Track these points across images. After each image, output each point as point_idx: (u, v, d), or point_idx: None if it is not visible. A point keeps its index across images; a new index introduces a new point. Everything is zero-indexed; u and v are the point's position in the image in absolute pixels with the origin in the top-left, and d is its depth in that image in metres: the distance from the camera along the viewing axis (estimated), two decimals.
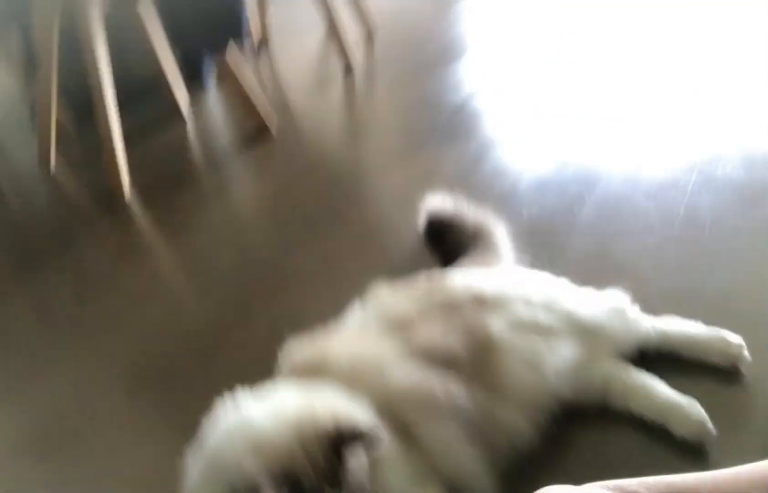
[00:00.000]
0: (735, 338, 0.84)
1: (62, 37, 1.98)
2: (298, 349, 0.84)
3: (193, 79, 2.49)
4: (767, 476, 0.53)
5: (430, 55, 2.42)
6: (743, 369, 0.83)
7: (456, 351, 0.81)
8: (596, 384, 0.83)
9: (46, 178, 2.15)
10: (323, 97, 2.35)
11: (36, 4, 1.95)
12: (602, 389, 0.83)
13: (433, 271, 1.02)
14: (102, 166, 1.92)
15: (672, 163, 1.35)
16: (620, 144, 1.49)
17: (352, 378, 0.76)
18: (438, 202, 1.24)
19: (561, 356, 0.83)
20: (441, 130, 1.83)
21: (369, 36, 2.60)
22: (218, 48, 2.09)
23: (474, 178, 1.50)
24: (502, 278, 0.94)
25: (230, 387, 0.76)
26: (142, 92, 2.36)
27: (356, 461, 0.66)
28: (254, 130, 2.11)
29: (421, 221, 1.24)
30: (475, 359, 0.81)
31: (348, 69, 2.42)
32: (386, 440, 0.68)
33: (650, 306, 0.92)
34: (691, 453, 0.75)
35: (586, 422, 0.82)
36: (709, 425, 0.75)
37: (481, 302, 0.87)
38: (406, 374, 0.77)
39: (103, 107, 1.86)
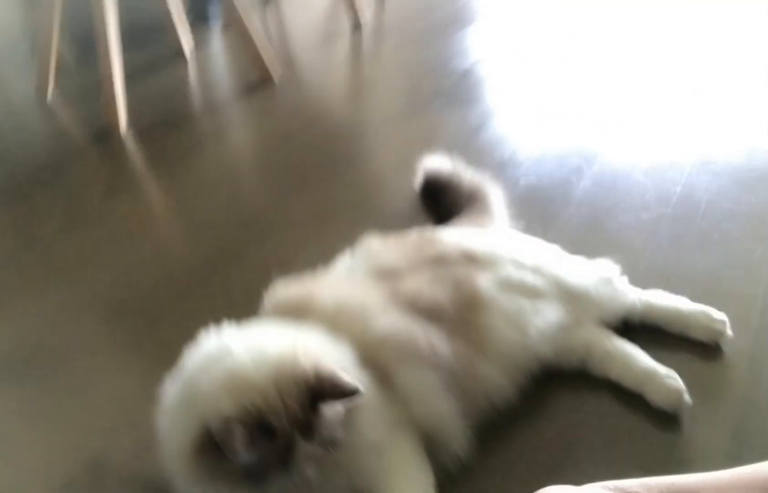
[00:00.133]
0: (719, 315, 0.85)
1: None
2: (284, 288, 0.84)
3: (199, 22, 2.45)
4: None
5: (439, 20, 2.38)
6: (724, 346, 0.84)
7: (442, 304, 0.81)
8: (577, 348, 0.84)
9: (41, 108, 2.12)
10: (329, 53, 2.32)
11: None
12: (583, 353, 0.84)
13: (425, 228, 1.02)
14: (99, 102, 1.90)
15: (673, 144, 1.35)
16: (623, 123, 1.48)
17: (336, 321, 0.76)
18: (436, 161, 1.24)
19: (545, 318, 0.83)
20: (444, 95, 1.81)
21: None
22: None
23: (474, 144, 1.49)
24: (494, 239, 0.94)
25: (214, 324, 0.75)
26: (146, 31, 2.32)
27: (331, 414, 0.66)
28: (257, 80, 2.09)
29: (418, 179, 1.24)
30: (460, 314, 0.81)
31: (356, 26, 2.38)
32: (364, 396, 0.67)
33: (638, 279, 0.92)
34: (663, 422, 0.76)
35: (562, 386, 0.83)
36: (686, 395, 0.76)
37: (471, 259, 0.87)
38: (389, 320, 0.77)
39: (106, 41, 1.83)
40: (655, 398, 0.77)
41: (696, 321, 0.85)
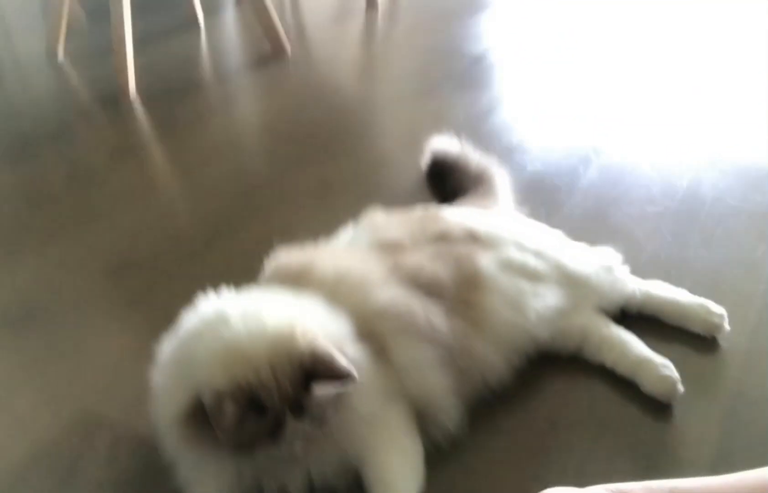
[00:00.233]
0: (717, 308, 0.85)
1: None
2: (285, 255, 0.85)
3: None
4: None
5: (453, 5, 2.37)
6: (721, 341, 0.84)
7: (442, 280, 0.81)
8: (574, 333, 0.84)
9: (51, 67, 2.12)
10: (342, 30, 2.31)
11: None
12: (580, 339, 0.84)
13: (430, 205, 1.02)
14: (110, 65, 1.90)
15: (681, 141, 1.34)
16: (632, 118, 1.48)
17: (336, 290, 0.76)
18: (444, 142, 1.24)
19: (545, 302, 0.83)
20: (455, 79, 1.80)
21: None
22: None
23: (482, 129, 1.49)
24: (498, 220, 0.95)
25: (214, 289, 0.75)
26: None
27: (323, 393, 0.65)
28: (269, 52, 2.08)
29: (426, 159, 1.24)
30: (460, 292, 0.81)
31: (370, 5, 2.37)
32: (357, 380, 0.66)
33: (640, 270, 0.93)
34: (654, 411, 0.76)
35: (556, 370, 0.83)
36: (680, 385, 0.76)
37: (474, 239, 0.87)
38: (389, 293, 0.78)
39: (119, 4, 1.82)
40: (649, 386, 0.78)
41: (694, 313, 0.85)
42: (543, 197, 1.19)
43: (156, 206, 1.39)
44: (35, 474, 0.81)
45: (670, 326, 0.86)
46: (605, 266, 0.89)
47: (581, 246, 0.93)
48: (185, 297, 0.74)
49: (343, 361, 0.65)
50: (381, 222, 0.92)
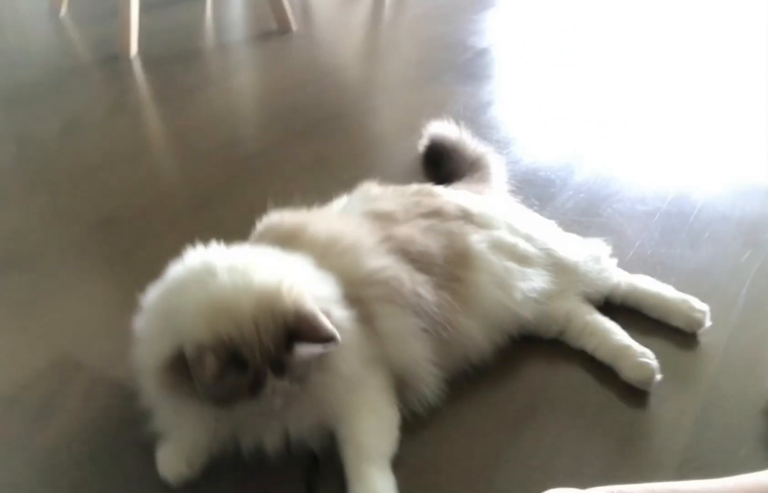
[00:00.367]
0: (700, 305, 0.86)
1: None
2: (277, 216, 0.85)
3: None
4: None
5: None
6: (701, 337, 0.85)
7: (432, 254, 0.82)
8: (558, 317, 0.85)
9: (53, 22, 2.10)
10: (349, 13, 2.31)
11: None
12: (563, 323, 0.85)
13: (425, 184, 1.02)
14: (112, 25, 1.88)
15: (677, 144, 1.36)
16: (628, 119, 1.49)
17: (326, 254, 0.77)
18: (443, 127, 1.24)
19: (532, 284, 0.84)
20: (457, 69, 1.81)
21: None
22: None
23: (481, 119, 1.49)
24: (493, 202, 0.95)
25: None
26: None
27: (305, 353, 0.65)
28: (274, 27, 2.07)
29: (424, 142, 1.24)
30: (449, 267, 0.82)
31: None
32: (340, 343, 0.66)
33: (627, 265, 0.94)
34: (630, 398, 0.78)
35: (537, 353, 0.85)
36: (658, 374, 0.77)
37: (468, 217, 0.88)
38: (378, 261, 0.78)
39: None
40: (628, 372, 0.79)
41: (677, 308, 0.86)
42: (536, 189, 1.20)
43: (148, 167, 1.38)
44: (10, 412, 0.81)
45: (652, 320, 0.87)
46: (593, 256, 0.90)
47: (571, 236, 0.94)
48: (171, 254, 0.74)
49: (327, 323, 0.66)
50: (376, 193, 0.93)
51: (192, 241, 0.75)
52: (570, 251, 0.89)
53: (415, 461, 0.71)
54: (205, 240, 0.76)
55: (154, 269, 0.73)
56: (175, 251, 0.74)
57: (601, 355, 0.82)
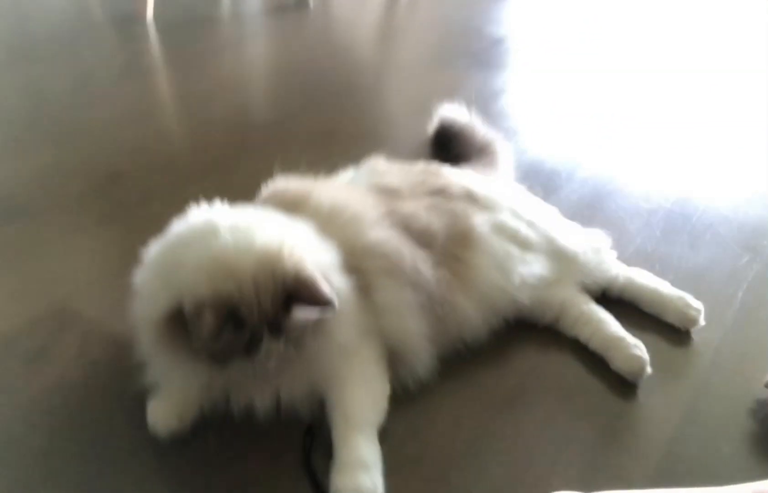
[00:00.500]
0: (696, 303, 0.87)
1: None
2: (283, 181, 0.86)
3: None
4: None
5: None
6: (694, 335, 0.86)
7: (434, 232, 0.83)
8: (554, 305, 0.86)
9: None
10: None
11: None
12: (558, 310, 0.86)
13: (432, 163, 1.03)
14: None
15: (682, 147, 1.36)
16: (639, 117, 1.49)
17: (329, 222, 0.77)
18: (453, 110, 1.24)
19: (531, 270, 0.85)
20: (472, 57, 1.80)
21: None
22: None
23: (492, 107, 1.49)
24: (498, 186, 0.96)
25: None
26: None
27: (303, 316, 0.66)
28: (290, 1, 2.07)
29: (433, 123, 1.25)
30: (451, 246, 0.83)
31: None
32: (337, 308, 0.66)
33: (626, 259, 0.94)
34: (619, 389, 0.79)
35: (531, 338, 0.85)
36: (648, 367, 0.78)
37: (472, 199, 0.89)
38: (380, 234, 0.79)
39: None
40: (619, 363, 0.80)
41: (672, 305, 0.87)
42: (542, 179, 1.20)
43: (158, 127, 1.39)
44: (4, 355, 0.82)
45: (647, 315, 0.88)
46: (594, 247, 0.91)
47: (574, 225, 0.95)
48: (175, 214, 0.74)
49: (325, 288, 0.66)
50: (382, 168, 0.93)
51: (197, 203, 0.76)
52: (571, 241, 0.90)
53: (402, 433, 0.72)
54: (210, 202, 0.76)
55: (156, 227, 0.74)
56: (179, 211, 0.75)
57: (594, 344, 0.83)
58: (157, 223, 0.75)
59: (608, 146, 1.35)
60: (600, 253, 0.91)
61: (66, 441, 0.72)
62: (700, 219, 1.10)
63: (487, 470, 0.69)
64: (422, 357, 0.78)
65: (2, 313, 0.88)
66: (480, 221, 0.85)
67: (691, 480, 0.67)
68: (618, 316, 0.84)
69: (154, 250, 0.74)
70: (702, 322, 0.86)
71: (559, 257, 0.88)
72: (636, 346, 0.79)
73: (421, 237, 0.82)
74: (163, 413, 0.72)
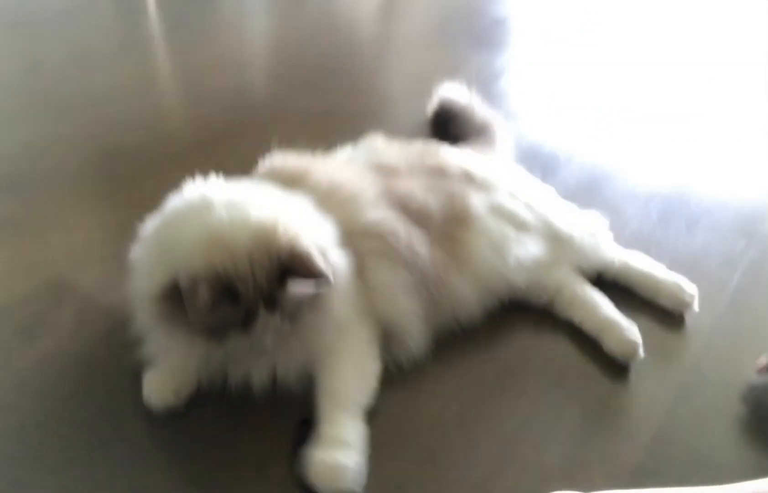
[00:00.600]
0: (690, 287, 0.87)
1: None
2: (281, 157, 0.85)
3: None
4: None
5: None
6: (687, 320, 0.86)
7: (431, 211, 0.83)
8: (549, 286, 0.86)
9: None
10: None
11: None
12: (553, 292, 0.86)
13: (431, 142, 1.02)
14: None
15: (683, 131, 1.35)
16: (640, 102, 1.48)
17: (326, 199, 0.77)
18: (453, 89, 1.23)
19: (526, 251, 0.85)
20: (473, 36, 1.78)
21: None
22: None
23: (492, 88, 1.48)
24: (496, 166, 0.95)
25: None
26: None
27: (298, 291, 0.66)
28: None
29: (433, 103, 1.24)
30: (447, 226, 0.83)
31: None
32: (332, 284, 0.67)
33: (623, 242, 0.94)
34: (611, 372, 0.79)
35: (525, 320, 0.86)
36: (641, 350, 0.79)
37: (469, 179, 0.88)
38: (377, 213, 0.79)
39: None
40: (612, 346, 0.80)
41: (667, 289, 0.87)
42: (541, 161, 1.20)
43: (155, 102, 1.38)
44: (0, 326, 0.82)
45: (641, 298, 0.88)
46: (590, 229, 0.91)
47: (571, 206, 0.95)
48: (172, 189, 0.74)
49: (320, 261, 0.66)
50: (380, 146, 0.93)
51: (193, 178, 0.76)
52: (567, 222, 0.90)
53: (393, 411, 0.73)
54: (207, 177, 0.76)
55: (153, 202, 0.74)
56: (175, 186, 0.75)
57: (588, 327, 0.83)
58: (154, 198, 0.75)
59: (608, 133, 1.34)
60: (596, 236, 0.91)
61: (60, 412, 0.72)
62: (697, 204, 1.10)
63: (477, 449, 0.70)
64: (416, 337, 0.78)
65: None
66: (477, 202, 0.85)
67: (679, 463, 0.68)
68: (613, 299, 0.85)
69: (150, 226, 0.74)
70: (696, 307, 0.86)
71: (555, 239, 0.88)
72: (629, 329, 0.80)
73: (417, 216, 0.82)
74: (159, 388, 0.73)
